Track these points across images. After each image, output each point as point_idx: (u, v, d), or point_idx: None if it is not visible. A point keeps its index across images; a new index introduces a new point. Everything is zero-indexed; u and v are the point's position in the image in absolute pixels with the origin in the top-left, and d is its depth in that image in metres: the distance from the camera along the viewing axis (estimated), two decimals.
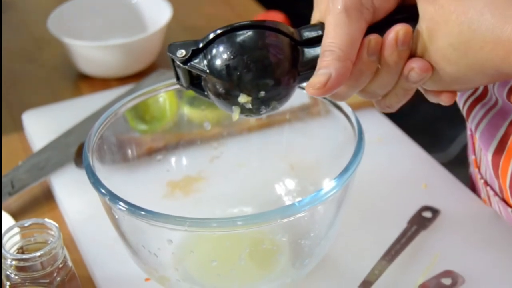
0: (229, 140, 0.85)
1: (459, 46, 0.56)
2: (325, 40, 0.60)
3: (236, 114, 0.63)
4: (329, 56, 0.59)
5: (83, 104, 1.01)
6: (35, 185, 0.89)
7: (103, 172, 0.72)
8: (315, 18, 0.64)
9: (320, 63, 0.60)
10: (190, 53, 0.63)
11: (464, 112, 0.76)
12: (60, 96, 1.06)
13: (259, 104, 0.62)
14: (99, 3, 1.17)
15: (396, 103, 0.63)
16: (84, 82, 1.10)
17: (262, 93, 0.61)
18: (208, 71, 0.62)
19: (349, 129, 0.73)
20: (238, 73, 0.61)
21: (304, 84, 0.63)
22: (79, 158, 0.88)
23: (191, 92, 0.82)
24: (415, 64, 0.59)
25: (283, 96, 0.63)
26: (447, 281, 0.72)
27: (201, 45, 0.62)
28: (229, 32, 0.62)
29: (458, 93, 0.78)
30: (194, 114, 0.85)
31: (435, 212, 0.80)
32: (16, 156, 0.94)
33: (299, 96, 0.78)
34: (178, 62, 0.63)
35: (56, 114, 1.00)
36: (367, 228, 0.79)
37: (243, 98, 0.62)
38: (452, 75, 0.58)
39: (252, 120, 0.86)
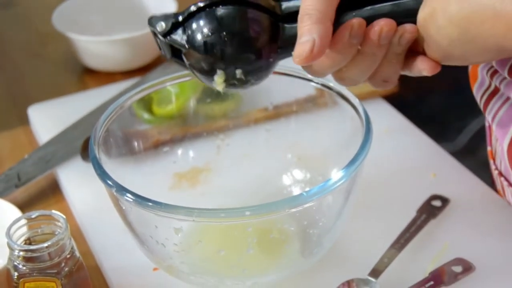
0: (235, 132, 0.85)
1: (460, 22, 0.56)
2: (303, 4, 0.59)
3: (218, 87, 0.63)
4: (307, 20, 0.59)
5: (89, 98, 1.01)
6: (41, 178, 0.89)
7: (109, 165, 0.72)
8: None
9: (300, 29, 0.59)
10: (170, 26, 0.63)
11: (481, 105, 0.76)
12: (66, 90, 1.06)
13: (238, 80, 0.62)
14: None
15: (393, 73, 0.62)
16: (90, 76, 1.10)
17: (240, 69, 0.62)
18: (187, 45, 0.62)
19: (356, 120, 0.73)
20: (217, 49, 0.61)
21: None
22: (85, 151, 0.88)
23: (197, 86, 0.83)
24: (425, 65, 0.60)
25: (263, 70, 0.63)
26: (457, 268, 0.71)
27: (181, 18, 0.62)
28: (209, 6, 0.61)
29: (475, 87, 0.78)
30: (200, 106, 0.84)
31: (444, 200, 0.80)
32: (22, 150, 0.94)
33: (305, 87, 0.79)
34: (158, 36, 0.63)
35: (61, 108, 1.00)
36: (376, 217, 0.79)
37: (221, 73, 0.62)
38: (457, 53, 0.58)
39: (258, 112, 0.86)
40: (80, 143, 0.91)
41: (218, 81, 0.63)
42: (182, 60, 0.64)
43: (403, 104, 1.03)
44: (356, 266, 0.72)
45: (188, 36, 0.62)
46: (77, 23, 1.12)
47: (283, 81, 0.79)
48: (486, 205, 0.80)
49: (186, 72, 0.80)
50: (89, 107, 0.98)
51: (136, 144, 0.81)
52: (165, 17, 0.63)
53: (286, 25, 0.62)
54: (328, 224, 0.70)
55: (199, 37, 0.61)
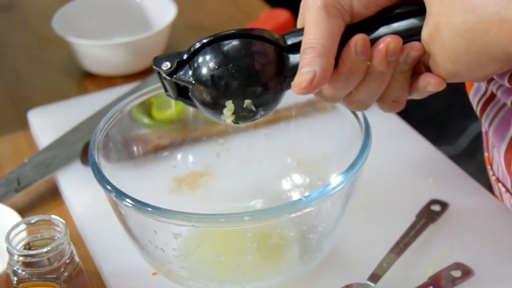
0: (235, 136, 0.85)
1: (466, 34, 0.56)
2: (305, 38, 0.60)
3: (227, 120, 0.63)
4: (310, 53, 0.59)
5: (89, 102, 1.01)
6: (41, 182, 0.89)
7: (109, 169, 0.72)
8: (300, 23, 0.64)
9: (302, 61, 0.60)
10: (175, 65, 0.63)
11: (478, 111, 0.76)
12: (66, 94, 1.06)
13: (247, 112, 0.62)
14: (103, 2, 1.17)
15: (401, 93, 0.62)
16: (90, 80, 1.10)
17: (249, 100, 0.62)
18: (194, 82, 0.62)
19: (355, 124, 0.73)
20: (224, 83, 0.61)
21: None
22: (85, 156, 0.88)
23: None
24: (430, 80, 0.60)
25: (271, 102, 0.63)
26: (456, 273, 0.71)
27: (185, 56, 0.63)
28: (213, 42, 0.62)
29: (471, 93, 0.78)
30: (200, 111, 0.84)
31: (443, 205, 0.80)
32: (22, 154, 0.94)
33: None
34: (164, 75, 0.63)
35: (61, 112, 1.01)
36: (375, 221, 0.79)
37: (230, 107, 0.62)
38: (463, 66, 0.58)
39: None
40: (80, 147, 0.91)
41: (227, 114, 0.63)
42: (189, 99, 0.65)
43: (405, 108, 1.03)
44: (355, 271, 0.72)
45: (194, 72, 0.62)
46: (77, 27, 1.12)
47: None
48: (485, 210, 0.80)
49: None
50: (89, 111, 0.98)
51: (135, 148, 0.81)
52: (169, 57, 0.63)
53: (290, 55, 0.62)
54: (327, 229, 0.70)
55: (205, 71, 0.61)
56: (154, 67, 0.64)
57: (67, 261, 0.67)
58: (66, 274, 0.67)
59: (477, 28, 0.55)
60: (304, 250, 0.72)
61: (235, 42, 0.61)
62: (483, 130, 0.84)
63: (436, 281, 0.71)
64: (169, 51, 1.12)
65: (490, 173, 0.81)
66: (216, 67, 0.61)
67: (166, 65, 0.63)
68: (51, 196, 0.88)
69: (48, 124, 0.98)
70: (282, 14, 1.16)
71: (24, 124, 1.01)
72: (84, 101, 1.02)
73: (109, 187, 0.66)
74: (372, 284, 0.70)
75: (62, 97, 1.04)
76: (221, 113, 0.63)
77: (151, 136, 0.84)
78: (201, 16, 1.26)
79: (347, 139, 0.75)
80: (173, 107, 0.83)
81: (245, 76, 0.61)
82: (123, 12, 1.17)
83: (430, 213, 0.79)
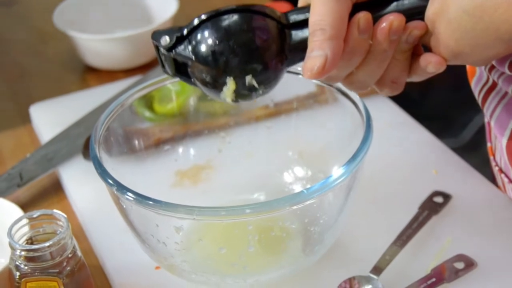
0: (236, 129, 0.85)
1: (473, 11, 0.55)
2: (313, 18, 0.58)
3: (227, 98, 0.62)
4: (320, 35, 0.57)
5: (91, 96, 1.01)
6: (43, 177, 0.89)
7: (110, 163, 0.72)
8: (302, 1, 0.63)
9: (311, 43, 0.58)
10: (174, 40, 0.61)
11: (479, 101, 0.76)
12: (67, 88, 1.06)
13: (247, 90, 0.61)
14: None
15: (400, 73, 0.61)
16: (91, 74, 1.10)
17: (250, 77, 0.60)
18: (193, 58, 0.61)
19: (357, 116, 0.73)
20: (225, 59, 0.60)
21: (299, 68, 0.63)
22: (87, 150, 0.88)
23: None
24: (430, 59, 0.59)
25: (272, 79, 0.62)
26: (459, 265, 0.71)
27: (185, 31, 0.61)
28: (214, 17, 0.60)
29: (473, 82, 0.77)
30: (201, 104, 0.84)
31: (446, 197, 0.80)
32: (24, 149, 0.94)
33: (306, 84, 0.79)
34: (162, 50, 0.62)
35: (63, 106, 1.01)
36: (377, 213, 0.79)
37: (230, 84, 0.61)
38: (467, 46, 0.57)
39: (259, 109, 0.86)
40: (82, 141, 0.91)
41: (227, 92, 0.61)
42: (187, 76, 0.63)
43: (406, 100, 1.03)
44: (357, 263, 0.72)
45: (194, 48, 0.60)
46: (78, 21, 1.12)
47: (284, 78, 0.79)
48: (488, 201, 0.80)
49: None
50: (91, 105, 0.98)
51: (137, 142, 0.81)
52: (169, 31, 0.62)
53: (293, 32, 0.61)
54: (329, 221, 0.70)
55: (206, 47, 0.60)
56: (152, 41, 0.62)
57: (70, 255, 0.67)
58: (68, 268, 0.67)
59: (485, 5, 0.54)
60: (306, 242, 0.72)
61: (236, 17, 0.60)
62: (486, 120, 0.84)
63: (439, 273, 0.70)
64: None
65: (493, 163, 0.81)
66: (217, 42, 0.59)
67: (165, 40, 0.61)
68: (54, 191, 0.88)
69: (50, 118, 0.98)
70: (283, 7, 1.16)
71: (26, 119, 1.01)
72: (86, 95, 1.02)
73: (110, 181, 0.66)
74: (375, 277, 0.70)
75: (64, 92, 1.04)
76: (221, 90, 0.61)
77: (152, 129, 0.84)
78: (202, 9, 1.25)
79: (349, 131, 0.74)
80: (175, 101, 0.83)
81: (246, 52, 0.59)
82: (124, 6, 1.17)
83: (433, 205, 0.79)
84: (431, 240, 0.75)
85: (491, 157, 0.82)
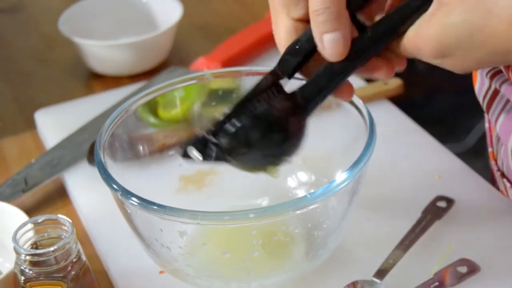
0: None
1: (475, 20, 0.54)
2: (314, 6, 0.58)
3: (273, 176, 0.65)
4: (327, 16, 0.58)
5: (95, 102, 1.01)
6: (48, 182, 0.89)
7: (115, 169, 0.72)
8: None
9: (319, 27, 0.58)
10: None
11: (484, 106, 0.76)
12: (72, 94, 1.06)
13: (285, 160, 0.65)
14: (109, 3, 1.17)
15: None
16: (96, 80, 1.10)
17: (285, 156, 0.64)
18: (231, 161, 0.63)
19: (360, 122, 0.73)
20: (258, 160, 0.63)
21: None
22: (92, 155, 0.88)
23: (202, 90, 0.83)
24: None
25: (301, 141, 0.65)
26: (462, 269, 0.71)
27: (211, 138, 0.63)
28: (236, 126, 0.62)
29: (476, 88, 0.77)
30: (205, 110, 0.85)
31: (449, 202, 0.80)
32: (29, 154, 0.94)
33: None
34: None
35: (68, 112, 1.01)
36: (381, 218, 0.79)
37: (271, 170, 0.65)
38: (460, 53, 0.57)
39: None
40: (87, 147, 0.91)
41: (271, 172, 0.65)
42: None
43: (410, 105, 1.03)
44: (361, 268, 0.72)
45: (227, 154, 0.63)
46: (83, 27, 1.13)
47: (287, 84, 0.79)
48: (491, 206, 0.80)
49: (191, 75, 0.81)
50: (96, 111, 0.98)
51: (141, 148, 0.81)
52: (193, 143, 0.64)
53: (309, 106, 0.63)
54: (333, 226, 0.70)
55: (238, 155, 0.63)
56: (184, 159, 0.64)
57: (74, 260, 0.67)
58: (73, 273, 0.67)
59: (487, 18, 0.54)
60: (310, 247, 0.72)
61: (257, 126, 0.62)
62: (487, 125, 0.84)
63: (442, 277, 0.71)
64: (175, 51, 1.14)
65: (495, 168, 0.81)
66: (247, 151, 0.62)
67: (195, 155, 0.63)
68: (58, 196, 0.89)
69: (55, 124, 0.99)
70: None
71: (31, 125, 1.01)
72: (91, 101, 1.03)
73: (115, 186, 0.67)
74: (378, 281, 0.70)
75: (69, 98, 1.05)
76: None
77: (157, 135, 0.84)
78: (207, 16, 1.27)
79: (352, 136, 0.75)
80: (179, 107, 0.84)
81: (277, 147, 0.63)
82: (129, 13, 1.17)
83: (436, 210, 0.79)
84: (434, 244, 0.75)
85: (493, 162, 0.82)
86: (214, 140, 0.62)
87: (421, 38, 0.57)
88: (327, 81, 0.62)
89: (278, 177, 0.65)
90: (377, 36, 0.60)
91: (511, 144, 0.73)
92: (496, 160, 0.81)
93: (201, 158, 0.63)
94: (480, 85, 0.77)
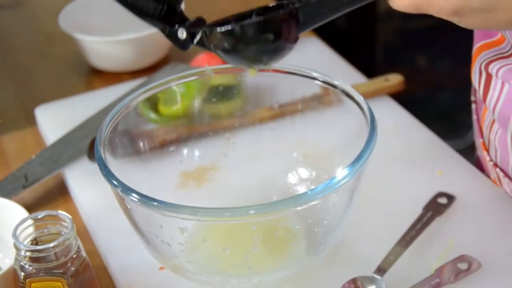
0: (241, 131, 0.85)
1: None
2: None
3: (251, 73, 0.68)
4: None
5: (96, 98, 1.01)
6: (48, 178, 0.89)
7: (115, 165, 0.72)
8: None
9: None
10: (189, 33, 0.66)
11: (481, 94, 0.76)
12: (73, 90, 1.06)
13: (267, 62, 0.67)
14: None
15: None
16: (96, 76, 1.10)
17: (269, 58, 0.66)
18: (215, 50, 0.66)
19: (361, 118, 0.73)
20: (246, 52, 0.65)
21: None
22: (92, 151, 0.88)
23: (203, 86, 0.83)
24: None
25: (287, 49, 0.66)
26: (463, 265, 0.71)
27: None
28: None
29: (473, 76, 0.78)
30: (205, 106, 0.85)
31: (450, 198, 0.80)
32: (30, 150, 0.94)
33: (311, 86, 0.79)
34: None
35: (69, 108, 1.01)
36: (382, 214, 0.79)
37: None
38: (487, 12, 0.56)
39: (264, 110, 0.86)
40: (87, 143, 0.91)
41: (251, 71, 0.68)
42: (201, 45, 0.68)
43: (411, 101, 1.03)
44: (361, 264, 0.72)
45: (214, 45, 0.66)
46: (83, 23, 1.12)
47: (288, 80, 0.79)
48: (492, 202, 0.80)
49: (192, 71, 0.80)
50: (96, 107, 0.98)
51: (142, 144, 0.81)
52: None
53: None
54: (333, 222, 0.70)
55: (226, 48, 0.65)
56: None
57: (74, 256, 0.67)
58: (73, 269, 0.67)
59: None
60: (310, 243, 0.72)
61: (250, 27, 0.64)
62: (474, 117, 0.85)
63: (442, 273, 0.70)
64: (176, 47, 1.13)
65: (487, 158, 0.81)
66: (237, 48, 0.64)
67: (182, 33, 0.67)
68: (59, 192, 0.89)
69: (55, 120, 0.99)
70: None
71: (31, 121, 1.01)
72: (91, 97, 1.03)
73: (115, 182, 0.66)
74: (378, 277, 0.70)
75: (69, 94, 1.05)
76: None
77: (157, 131, 0.84)
78: (209, 12, 1.26)
79: (353, 132, 0.75)
80: (179, 103, 0.84)
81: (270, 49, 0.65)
82: None
83: (437, 206, 0.79)
84: (435, 241, 0.75)
85: (484, 152, 0.82)
86: (207, 28, 0.66)
87: None
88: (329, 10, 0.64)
89: (255, 76, 0.69)
90: None
91: (510, 132, 0.73)
92: (488, 150, 0.81)
93: (185, 37, 0.67)
94: (475, 73, 0.77)
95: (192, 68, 1.01)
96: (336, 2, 0.63)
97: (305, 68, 0.78)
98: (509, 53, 0.74)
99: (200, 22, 0.68)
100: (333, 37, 1.36)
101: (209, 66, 0.80)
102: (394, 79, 1.00)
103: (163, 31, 0.68)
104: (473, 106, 0.86)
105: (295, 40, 0.66)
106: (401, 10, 0.60)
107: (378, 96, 0.98)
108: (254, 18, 0.65)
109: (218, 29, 0.65)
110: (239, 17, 0.68)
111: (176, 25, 0.67)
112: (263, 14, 0.66)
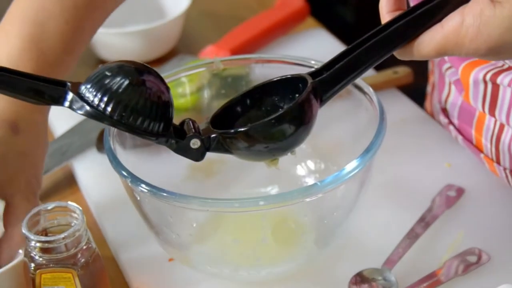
0: None
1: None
2: None
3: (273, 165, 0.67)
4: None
5: None
6: (57, 170, 0.89)
7: (124, 156, 0.72)
8: None
9: None
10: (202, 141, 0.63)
11: (487, 110, 0.77)
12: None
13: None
14: None
15: None
16: None
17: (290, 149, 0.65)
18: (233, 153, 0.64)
19: (370, 110, 0.73)
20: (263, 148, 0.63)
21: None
22: (101, 143, 0.88)
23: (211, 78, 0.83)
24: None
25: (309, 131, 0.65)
26: (472, 258, 0.71)
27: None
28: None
29: (471, 96, 0.78)
30: (214, 98, 0.84)
31: (459, 190, 0.80)
32: None
33: None
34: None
35: None
36: (391, 207, 0.79)
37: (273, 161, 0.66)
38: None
39: None
40: (96, 134, 0.91)
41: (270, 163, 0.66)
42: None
43: (420, 94, 1.03)
44: (370, 256, 0.72)
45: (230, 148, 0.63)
46: None
47: (297, 72, 0.79)
48: (501, 195, 0.80)
49: (200, 63, 0.80)
50: None
51: None
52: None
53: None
54: (342, 214, 0.70)
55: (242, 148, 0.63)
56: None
57: (84, 247, 0.67)
58: (83, 260, 0.67)
59: None
60: (319, 235, 0.72)
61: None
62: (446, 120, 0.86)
63: (451, 266, 0.70)
64: (184, 39, 1.14)
65: (500, 169, 0.80)
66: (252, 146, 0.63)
67: (195, 143, 0.63)
68: (67, 184, 0.89)
69: (63, 111, 0.98)
70: (296, 2, 1.15)
71: None
72: None
73: (124, 173, 0.66)
74: (387, 269, 0.70)
75: None
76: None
77: None
78: (215, 3, 1.26)
79: (362, 125, 0.74)
80: (188, 95, 0.84)
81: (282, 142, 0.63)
82: (137, 0, 1.17)
83: (446, 199, 0.79)
84: (444, 233, 0.75)
85: (495, 165, 0.81)
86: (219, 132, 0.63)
87: (481, 34, 0.56)
88: (349, 72, 0.63)
89: (279, 167, 0.66)
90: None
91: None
92: (498, 161, 0.80)
93: (199, 147, 0.63)
94: (474, 93, 0.77)
95: (200, 60, 1.01)
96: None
97: (314, 59, 0.78)
98: (506, 66, 0.74)
99: (198, 128, 0.65)
100: (342, 29, 1.36)
101: (217, 58, 0.80)
102: (403, 72, 0.99)
103: (169, 147, 0.64)
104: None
105: (316, 114, 0.64)
106: (425, 59, 0.59)
107: (386, 88, 0.98)
108: (280, 111, 0.62)
109: (237, 132, 0.62)
110: (245, 97, 0.67)
111: (186, 137, 0.63)
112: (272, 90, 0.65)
